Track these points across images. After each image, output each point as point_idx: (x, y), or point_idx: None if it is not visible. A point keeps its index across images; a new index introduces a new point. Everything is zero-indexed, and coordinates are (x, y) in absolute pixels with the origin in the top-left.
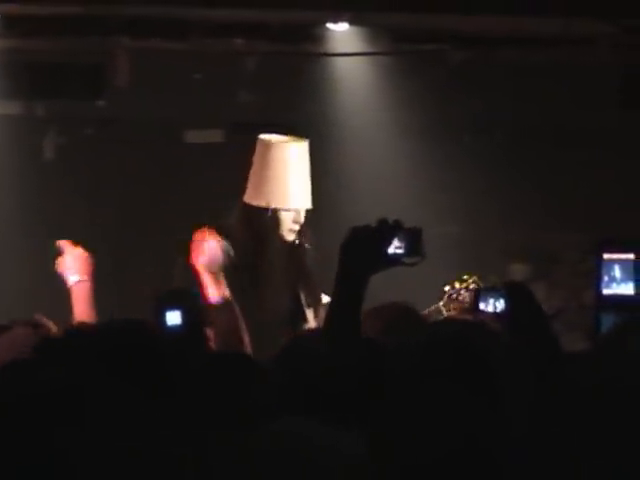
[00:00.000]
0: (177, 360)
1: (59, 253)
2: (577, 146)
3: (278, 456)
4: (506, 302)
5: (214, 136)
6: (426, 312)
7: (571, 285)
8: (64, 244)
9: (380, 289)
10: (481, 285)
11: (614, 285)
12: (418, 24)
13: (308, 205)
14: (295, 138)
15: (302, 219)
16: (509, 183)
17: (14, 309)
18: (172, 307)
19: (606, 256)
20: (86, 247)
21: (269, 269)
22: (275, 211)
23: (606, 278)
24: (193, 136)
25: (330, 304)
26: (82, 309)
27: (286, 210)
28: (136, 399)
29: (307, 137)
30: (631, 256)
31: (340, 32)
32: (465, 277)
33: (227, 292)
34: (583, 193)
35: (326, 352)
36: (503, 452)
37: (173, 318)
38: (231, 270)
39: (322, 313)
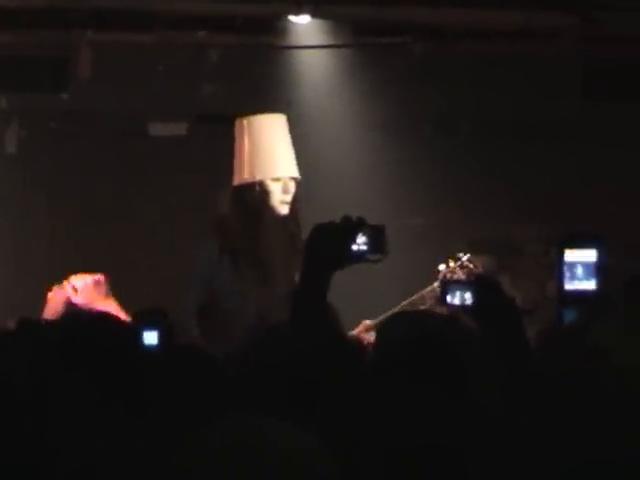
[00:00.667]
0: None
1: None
2: (540, 138)
3: (229, 453)
4: (474, 295)
5: (178, 128)
6: (421, 295)
7: (535, 277)
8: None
9: (346, 284)
10: (476, 263)
11: (576, 282)
12: (380, 16)
13: (295, 173)
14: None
15: (292, 189)
16: (472, 175)
17: None
18: (149, 327)
19: (568, 253)
20: (49, 240)
21: (266, 247)
22: (263, 184)
23: (568, 274)
24: (157, 129)
25: (293, 300)
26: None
27: (274, 180)
28: (96, 396)
29: None
30: (593, 253)
31: (302, 25)
32: (460, 255)
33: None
34: (546, 184)
35: (288, 347)
36: (473, 446)
37: (150, 338)
38: (227, 258)
39: None
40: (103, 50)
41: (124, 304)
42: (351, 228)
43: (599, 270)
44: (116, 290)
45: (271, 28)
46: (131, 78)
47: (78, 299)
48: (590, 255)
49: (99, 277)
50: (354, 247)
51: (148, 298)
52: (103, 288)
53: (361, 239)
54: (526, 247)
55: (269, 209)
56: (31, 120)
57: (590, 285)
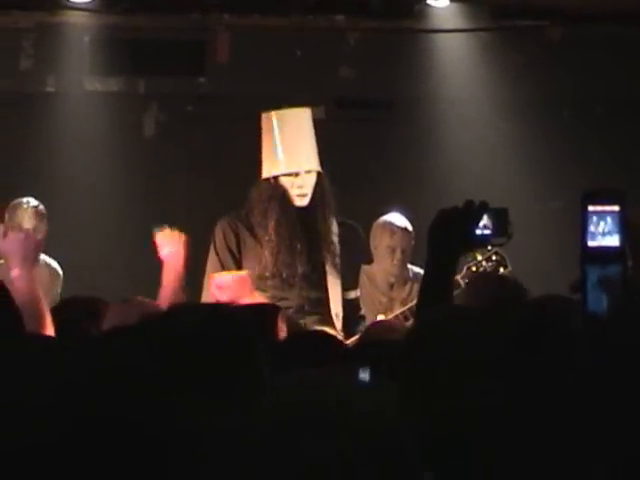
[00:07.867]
0: None
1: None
2: None
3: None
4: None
5: (315, 112)
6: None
7: None
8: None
9: None
10: (504, 257)
11: (599, 237)
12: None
13: (307, 167)
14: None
15: (306, 182)
16: (609, 159)
17: (112, 282)
18: (364, 365)
19: (591, 208)
20: (186, 222)
21: (274, 236)
22: (276, 179)
23: (592, 229)
24: None
25: (420, 285)
26: (170, 279)
27: (285, 175)
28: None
29: (407, 112)
30: (616, 208)
31: (440, 8)
32: (489, 248)
33: None
34: None
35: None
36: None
37: (363, 374)
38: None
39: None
40: (240, 34)
41: None
42: (474, 212)
43: (622, 226)
44: None
45: (409, 12)
46: (268, 62)
47: (223, 297)
48: (613, 210)
49: (242, 276)
50: (478, 231)
51: None
52: (247, 285)
53: (485, 223)
54: None
55: (282, 202)
56: (169, 104)
57: (614, 241)
